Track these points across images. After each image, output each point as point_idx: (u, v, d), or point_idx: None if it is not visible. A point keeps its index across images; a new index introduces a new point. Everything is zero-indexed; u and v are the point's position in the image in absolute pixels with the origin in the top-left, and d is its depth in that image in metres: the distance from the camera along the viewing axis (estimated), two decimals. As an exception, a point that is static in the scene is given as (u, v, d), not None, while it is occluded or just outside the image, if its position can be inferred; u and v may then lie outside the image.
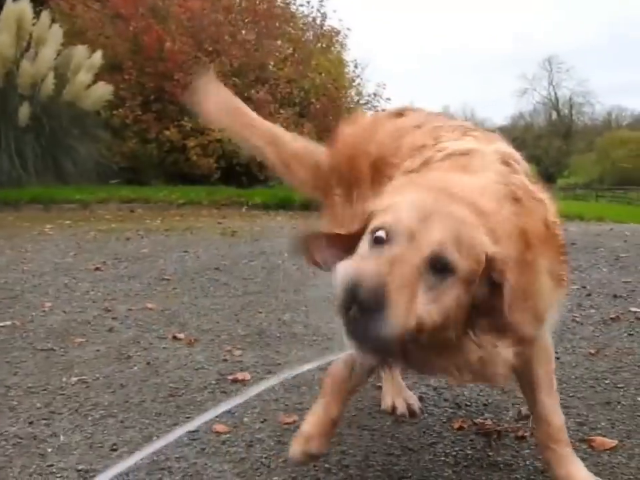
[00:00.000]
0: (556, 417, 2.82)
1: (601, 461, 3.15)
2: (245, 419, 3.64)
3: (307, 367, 3.65)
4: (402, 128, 3.02)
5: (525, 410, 3.71)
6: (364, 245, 2.13)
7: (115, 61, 23.68)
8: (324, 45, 33.30)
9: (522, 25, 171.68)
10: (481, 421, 3.61)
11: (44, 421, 3.67)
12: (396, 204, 2.13)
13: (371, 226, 2.12)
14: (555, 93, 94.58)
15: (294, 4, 32.54)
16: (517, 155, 2.70)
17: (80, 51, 20.10)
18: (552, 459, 2.77)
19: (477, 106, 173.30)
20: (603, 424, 3.55)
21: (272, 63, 29.74)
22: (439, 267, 1.99)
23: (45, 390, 4.11)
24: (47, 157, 18.86)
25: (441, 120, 3.08)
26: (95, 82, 20.18)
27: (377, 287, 1.88)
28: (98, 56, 20.17)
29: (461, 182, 2.24)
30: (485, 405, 3.86)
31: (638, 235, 10.97)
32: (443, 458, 3.22)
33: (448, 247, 2.00)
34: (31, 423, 3.66)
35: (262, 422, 3.63)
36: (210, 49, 27.31)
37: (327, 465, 3.10)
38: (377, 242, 2.06)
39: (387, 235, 2.04)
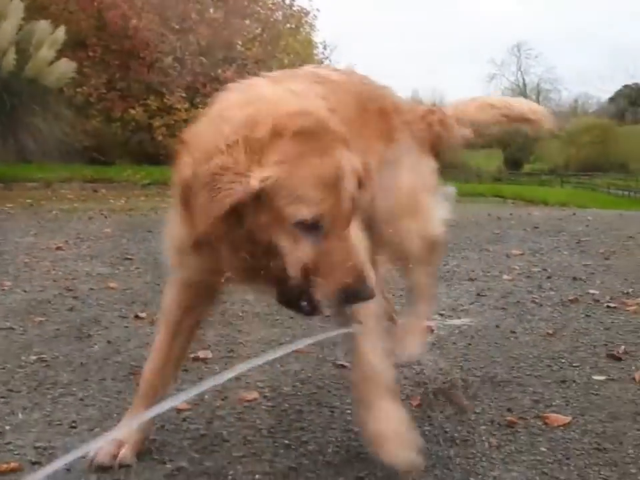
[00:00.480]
0: (376, 358, 2.80)
1: (555, 436, 3.22)
2: (206, 396, 3.66)
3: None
4: None
5: (484, 387, 3.79)
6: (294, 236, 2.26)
7: (79, 37, 23.38)
8: (293, 26, 33.17)
9: (492, 10, 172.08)
10: (440, 397, 3.66)
11: (2, 399, 3.64)
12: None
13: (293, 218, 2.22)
14: (523, 79, 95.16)
15: (263, -17, 32.31)
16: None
17: (42, 25, 19.77)
18: (367, 401, 2.76)
19: (446, 90, 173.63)
20: (557, 401, 3.63)
21: (240, 43, 29.51)
22: None
23: (3, 369, 4.08)
24: (7, 134, 18.58)
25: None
26: (57, 58, 19.89)
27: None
28: (61, 31, 19.86)
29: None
30: (444, 382, 3.91)
31: (599, 220, 11.14)
32: (400, 434, 3.26)
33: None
34: (-11, 400, 3.64)
35: (222, 399, 3.65)
36: (177, 27, 27.03)
37: (286, 441, 3.14)
38: (309, 230, 2.24)
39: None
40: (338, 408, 3.58)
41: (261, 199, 2.17)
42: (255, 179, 2.15)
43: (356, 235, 2.46)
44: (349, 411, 3.52)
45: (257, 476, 2.84)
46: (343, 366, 4.15)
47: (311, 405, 3.62)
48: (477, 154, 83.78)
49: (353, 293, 2.24)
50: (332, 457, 3.05)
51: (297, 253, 2.23)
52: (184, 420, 3.40)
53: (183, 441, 3.19)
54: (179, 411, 3.47)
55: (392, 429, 2.71)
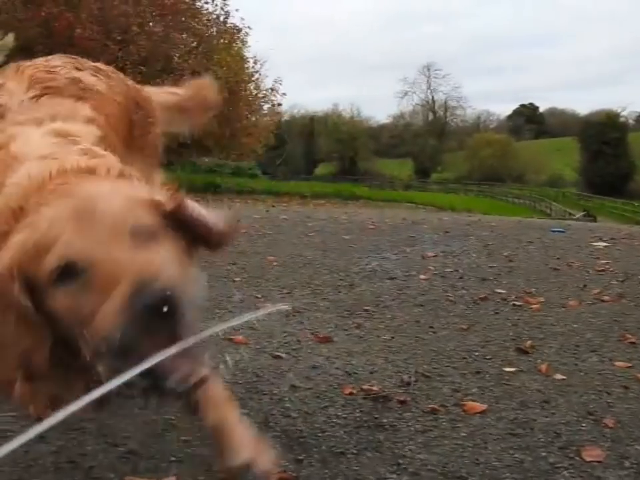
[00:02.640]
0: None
1: (473, 422, 3.26)
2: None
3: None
4: None
5: (406, 377, 3.82)
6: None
7: (27, 44, 22.77)
8: (226, 41, 33.00)
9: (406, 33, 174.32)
10: (368, 387, 3.67)
11: None
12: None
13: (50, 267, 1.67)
14: (432, 97, 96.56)
15: (199, 1, 32.07)
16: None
17: (-9, 32, 19.22)
18: (211, 398, 2.33)
19: (363, 104, 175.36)
20: (474, 390, 3.68)
21: (177, 55, 29.32)
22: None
23: None
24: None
25: None
26: (6, 62, 19.21)
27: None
28: (10, 38, 19.25)
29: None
30: (371, 372, 3.93)
31: (502, 226, 11.38)
32: (335, 420, 3.26)
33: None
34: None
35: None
36: (119, 38, 26.67)
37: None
38: (70, 276, 1.66)
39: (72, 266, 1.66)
40: (276, 395, 3.55)
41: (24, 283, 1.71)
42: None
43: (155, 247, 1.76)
44: (286, 398, 3.51)
45: (204, 458, 2.79)
46: (278, 356, 4.13)
47: (250, 392, 3.58)
48: (390, 163, 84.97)
49: (138, 298, 1.56)
50: (273, 441, 3.01)
51: (75, 309, 1.66)
52: (134, 405, 3.33)
53: (134, 425, 3.12)
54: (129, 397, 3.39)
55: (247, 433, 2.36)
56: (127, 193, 1.86)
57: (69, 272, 1.64)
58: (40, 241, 1.69)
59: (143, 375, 1.54)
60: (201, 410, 2.34)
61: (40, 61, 2.92)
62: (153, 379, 1.62)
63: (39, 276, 1.68)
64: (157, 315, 1.56)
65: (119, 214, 1.74)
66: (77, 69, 2.88)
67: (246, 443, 2.31)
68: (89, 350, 1.66)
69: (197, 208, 1.96)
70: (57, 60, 2.93)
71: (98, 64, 3.09)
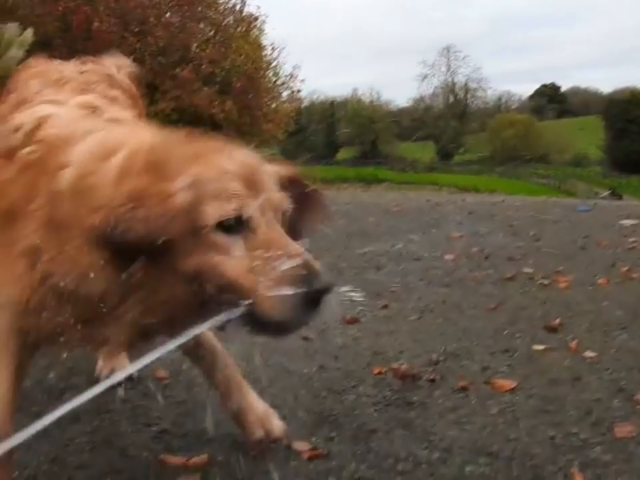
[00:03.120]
0: (220, 346, 2.71)
1: (503, 399, 3.26)
2: (184, 367, 3.62)
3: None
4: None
5: (435, 356, 3.83)
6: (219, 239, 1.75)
7: (45, 39, 22.89)
8: (243, 29, 33.00)
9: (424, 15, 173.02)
10: (397, 366, 3.68)
11: None
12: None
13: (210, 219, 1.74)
14: (452, 79, 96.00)
15: (215, -10, 32.11)
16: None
17: (11, 28, 19.24)
18: (228, 386, 2.72)
19: (382, 88, 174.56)
20: (503, 368, 3.67)
21: (195, 44, 29.40)
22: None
23: None
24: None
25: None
26: (26, 58, 19.38)
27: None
28: (29, 33, 19.32)
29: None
30: (399, 352, 3.93)
31: (527, 206, 11.30)
32: (364, 399, 3.28)
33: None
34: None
35: (199, 368, 3.62)
36: (136, 29, 26.78)
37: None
38: (236, 228, 1.75)
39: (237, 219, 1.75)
40: (305, 375, 3.58)
41: (181, 216, 1.73)
42: (177, 191, 1.73)
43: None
44: (316, 378, 3.53)
45: (235, 437, 2.82)
46: (307, 338, 4.15)
47: (280, 372, 3.61)
48: (411, 146, 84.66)
49: (310, 280, 1.71)
50: (304, 420, 3.05)
51: (230, 263, 1.74)
52: (165, 387, 3.37)
53: (166, 406, 3.16)
54: (159, 379, 3.44)
55: (259, 412, 2.76)
56: (276, 170, 1.97)
57: (234, 224, 1.74)
58: (213, 184, 1.75)
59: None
60: (219, 392, 2.74)
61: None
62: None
63: (199, 214, 1.73)
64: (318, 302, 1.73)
65: (280, 193, 1.88)
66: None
67: (259, 418, 2.73)
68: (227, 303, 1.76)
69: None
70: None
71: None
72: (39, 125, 2.12)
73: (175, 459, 2.68)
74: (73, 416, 2.94)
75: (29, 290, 1.93)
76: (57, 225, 1.84)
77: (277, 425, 2.77)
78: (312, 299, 1.71)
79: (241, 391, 2.74)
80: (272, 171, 1.95)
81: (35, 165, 1.99)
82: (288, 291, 1.69)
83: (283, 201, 1.89)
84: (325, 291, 1.73)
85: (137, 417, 3.04)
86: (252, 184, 1.80)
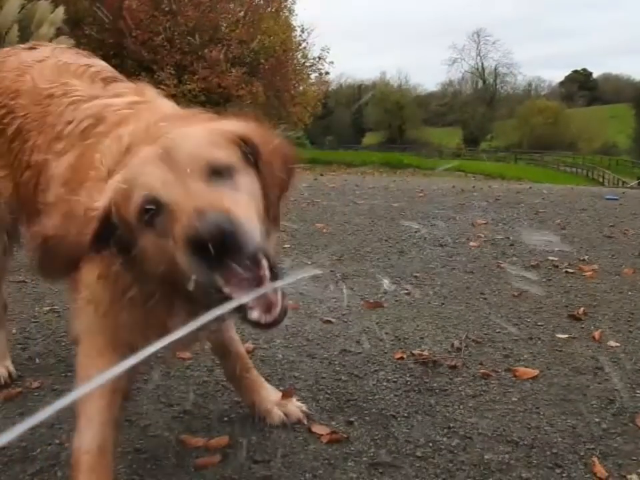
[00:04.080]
0: (242, 348, 2.88)
1: (524, 388, 3.25)
2: (206, 347, 3.63)
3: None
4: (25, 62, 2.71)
5: (457, 343, 3.81)
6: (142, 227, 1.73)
7: (77, 17, 23.00)
8: (273, 10, 32.88)
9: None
10: (419, 352, 3.68)
11: (19, 346, 3.63)
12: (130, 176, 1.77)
13: (136, 208, 1.72)
14: (482, 64, 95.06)
15: (245, -30, 31.96)
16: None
17: (43, 5, 19.33)
18: (244, 386, 2.87)
19: (411, 72, 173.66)
20: (525, 356, 3.66)
21: (224, 24, 29.33)
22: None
23: (19, 319, 4.05)
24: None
25: (70, 57, 2.74)
26: (57, 36, 19.46)
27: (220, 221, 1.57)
28: (60, 11, 19.43)
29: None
30: (421, 338, 3.93)
31: (554, 194, 11.20)
32: (385, 384, 3.29)
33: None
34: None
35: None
36: (167, 9, 26.77)
37: (281, 389, 3.12)
38: (153, 216, 1.70)
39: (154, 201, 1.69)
40: (327, 359, 3.58)
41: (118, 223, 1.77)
42: (99, 204, 1.76)
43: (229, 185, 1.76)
44: (337, 362, 3.54)
45: (255, 420, 2.85)
46: (329, 321, 4.16)
47: (302, 356, 3.62)
48: (439, 131, 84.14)
49: (197, 231, 1.55)
50: (324, 403, 3.06)
51: (164, 247, 1.68)
52: (187, 368, 3.40)
53: (188, 386, 3.19)
54: (182, 359, 3.46)
55: (274, 400, 2.90)
56: (210, 130, 1.89)
57: (152, 210, 1.69)
58: (129, 181, 1.75)
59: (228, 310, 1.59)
60: (236, 390, 2.94)
61: None
62: (238, 312, 1.68)
63: (128, 215, 1.74)
64: (218, 247, 1.55)
65: (195, 151, 1.76)
66: None
67: (274, 410, 2.87)
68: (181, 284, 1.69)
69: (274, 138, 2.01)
70: None
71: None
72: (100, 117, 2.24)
73: (196, 440, 2.70)
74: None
75: (111, 288, 2.01)
76: None
77: (294, 407, 2.91)
78: (207, 246, 1.54)
79: (255, 387, 2.90)
80: (209, 133, 1.87)
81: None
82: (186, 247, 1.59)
83: (200, 158, 1.74)
84: (212, 232, 1.54)
85: (158, 397, 3.07)
86: (167, 161, 1.74)
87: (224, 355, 2.84)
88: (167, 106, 2.34)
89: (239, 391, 2.91)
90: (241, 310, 1.66)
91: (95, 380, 1.41)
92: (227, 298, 1.63)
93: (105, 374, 1.37)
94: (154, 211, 1.69)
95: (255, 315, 1.68)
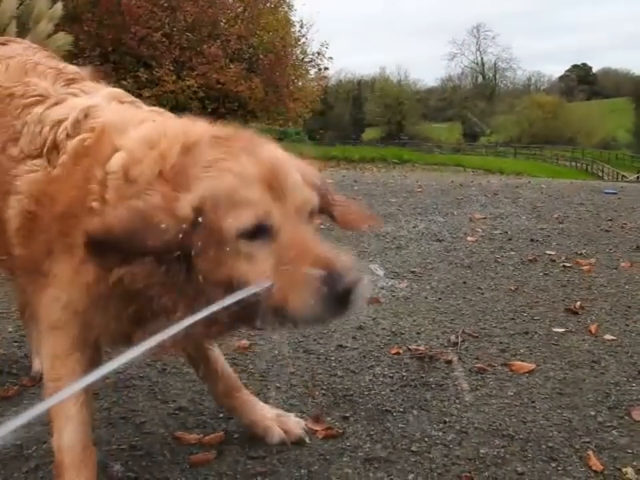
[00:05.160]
0: (229, 368, 2.72)
1: (521, 382, 3.25)
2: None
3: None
4: None
5: (454, 337, 3.81)
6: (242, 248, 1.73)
7: (75, 13, 22.94)
8: (272, 5, 32.81)
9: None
10: (415, 347, 3.67)
11: (15, 344, 3.62)
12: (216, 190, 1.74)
13: (235, 228, 1.71)
14: (482, 58, 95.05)
15: (244, -35, 31.87)
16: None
17: (41, 1, 19.30)
18: (238, 406, 2.70)
19: (410, 67, 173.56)
20: (522, 350, 3.66)
21: (223, 20, 29.26)
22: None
23: (15, 316, 4.04)
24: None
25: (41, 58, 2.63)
26: (55, 32, 19.39)
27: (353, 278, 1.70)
28: (59, 7, 19.32)
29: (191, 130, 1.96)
30: (418, 333, 3.93)
31: (553, 188, 11.19)
32: (381, 379, 3.29)
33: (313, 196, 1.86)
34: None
35: (218, 346, 3.63)
36: (165, 4, 26.68)
37: (277, 384, 3.14)
38: (258, 236, 1.72)
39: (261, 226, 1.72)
40: (323, 354, 3.58)
41: (200, 228, 1.73)
42: (185, 205, 1.71)
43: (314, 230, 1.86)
44: (333, 358, 3.54)
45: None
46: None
47: (298, 352, 3.62)
48: (438, 127, 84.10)
49: (333, 282, 1.66)
50: (320, 399, 3.06)
51: (255, 270, 1.72)
52: (183, 364, 3.39)
53: (183, 383, 3.19)
54: (177, 356, 3.46)
55: (271, 417, 2.72)
56: (304, 169, 1.93)
57: (256, 232, 1.71)
58: (229, 193, 1.72)
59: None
60: (231, 407, 2.74)
61: None
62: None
63: (219, 225, 1.71)
64: (345, 301, 1.69)
65: (307, 191, 1.83)
66: None
67: (273, 425, 2.69)
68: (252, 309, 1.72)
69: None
70: None
71: None
72: (85, 115, 2.12)
73: (191, 436, 2.70)
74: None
75: (89, 289, 1.95)
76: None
77: (294, 423, 2.73)
78: (338, 299, 1.68)
79: (248, 407, 2.72)
80: (300, 168, 1.91)
81: (89, 153, 1.99)
82: (311, 295, 1.66)
83: (309, 200, 1.83)
84: (350, 290, 1.69)
85: (154, 394, 3.07)
86: (274, 186, 1.76)
87: (209, 376, 2.68)
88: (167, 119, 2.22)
89: (233, 412, 2.74)
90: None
91: (76, 384, 1.41)
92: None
93: (86, 378, 1.39)
94: (260, 231, 1.71)
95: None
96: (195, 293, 1.78)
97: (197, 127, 1.98)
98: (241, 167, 1.76)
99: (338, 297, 1.67)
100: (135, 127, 2.01)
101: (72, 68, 2.62)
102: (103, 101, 2.24)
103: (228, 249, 1.72)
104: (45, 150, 2.11)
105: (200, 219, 1.71)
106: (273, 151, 1.88)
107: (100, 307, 1.97)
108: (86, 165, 1.96)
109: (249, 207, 1.71)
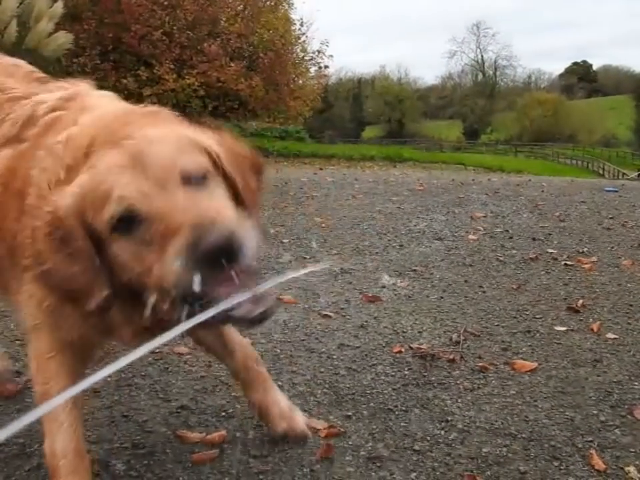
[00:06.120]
0: (245, 340, 2.64)
1: (522, 381, 3.25)
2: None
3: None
4: None
5: (455, 336, 3.81)
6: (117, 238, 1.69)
7: (75, 11, 22.89)
8: (272, 3, 32.75)
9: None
10: (417, 345, 3.67)
11: (18, 342, 3.62)
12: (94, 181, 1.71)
13: (107, 217, 1.67)
14: (482, 56, 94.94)
15: (244, -37, 31.80)
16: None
17: (41, 0, 19.30)
18: (252, 380, 2.61)
19: (410, 65, 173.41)
20: (524, 349, 3.66)
21: (224, 19, 29.22)
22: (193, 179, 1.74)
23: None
24: (8, 101, 18.22)
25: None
26: (56, 30, 19.42)
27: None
28: (59, 6, 19.36)
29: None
30: (420, 332, 3.92)
31: (554, 186, 11.17)
32: (383, 377, 3.28)
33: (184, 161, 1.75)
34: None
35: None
36: (165, 2, 26.62)
37: (279, 383, 3.12)
38: (129, 225, 1.66)
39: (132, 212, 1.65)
40: (325, 353, 3.58)
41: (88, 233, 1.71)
42: (60, 198, 1.70)
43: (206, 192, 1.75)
44: (335, 356, 3.53)
45: (252, 415, 2.84)
46: (327, 315, 4.15)
47: (299, 350, 3.62)
48: (439, 125, 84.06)
49: (198, 241, 1.55)
50: (322, 398, 3.06)
51: (145, 261, 1.65)
52: (185, 363, 3.40)
53: (185, 382, 3.19)
54: (179, 354, 3.46)
55: (282, 406, 2.66)
56: (178, 135, 1.84)
57: (127, 219, 1.65)
58: (98, 187, 1.69)
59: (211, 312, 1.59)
60: (242, 386, 2.66)
61: None
62: (221, 315, 1.63)
63: (97, 223, 1.69)
64: (220, 258, 1.57)
65: (169, 158, 1.73)
66: None
67: (282, 415, 2.63)
68: (155, 296, 1.66)
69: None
70: None
71: None
72: (67, 99, 2.13)
73: (193, 435, 2.70)
74: (93, 390, 2.98)
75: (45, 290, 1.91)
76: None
77: (300, 420, 2.67)
78: (205, 258, 1.55)
79: (265, 386, 2.65)
80: (182, 138, 1.84)
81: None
82: (175, 262, 1.57)
83: (173, 165, 1.72)
84: (220, 246, 1.56)
85: (156, 392, 3.07)
86: (135, 168, 1.69)
87: (225, 348, 2.57)
88: (117, 104, 2.22)
89: (244, 385, 2.64)
90: (227, 313, 1.63)
91: (67, 391, 1.40)
92: (208, 304, 1.61)
93: (77, 385, 1.37)
94: (130, 220, 1.64)
95: (242, 311, 1.65)
96: (127, 292, 1.75)
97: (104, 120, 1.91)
98: (107, 162, 1.72)
99: (204, 256, 1.55)
100: (91, 110, 2.00)
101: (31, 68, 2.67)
102: (85, 90, 2.25)
103: (114, 246, 1.69)
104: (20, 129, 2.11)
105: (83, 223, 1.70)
106: (146, 133, 1.80)
107: (71, 306, 1.91)
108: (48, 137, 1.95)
109: (110, 199, 1.66)
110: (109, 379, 3.09)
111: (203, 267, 1.56)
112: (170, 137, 1.81)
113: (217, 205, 1.69)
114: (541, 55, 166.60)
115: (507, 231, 6.93)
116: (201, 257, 1.55)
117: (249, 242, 1.63)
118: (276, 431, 2.63)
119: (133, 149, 1.73)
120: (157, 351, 3.40)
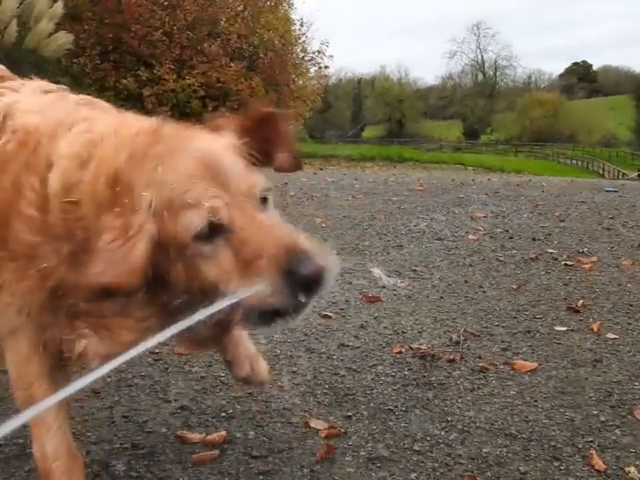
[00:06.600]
0: None
1: (523, 381, 3.24)
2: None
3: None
4: None
5: (455, 336, 3.81)
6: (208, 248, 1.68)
7: (76, 12, 22.93)
8: (272, 4, 32.80)
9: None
10: (417, 346, 3.67)
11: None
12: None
13: (187, 226, 1.66)
14: (482, 56, 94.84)
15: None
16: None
17: (42, 0, 19.31)
18: (230, 340, 2.51)
19: (410, 65, 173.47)
20: (524, 349, 3.66)
21: (224, 19, 29.25)
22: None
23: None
24: (8, 101, 18.24)
25: None
26: (56, 31, 19.45)
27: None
28: (59, 6, 19.38)
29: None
30: (420, 332, 3.92)
31: (554, 186, 11.17)
32: (383, 378, 3.28)
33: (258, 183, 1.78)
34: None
35: (219, 345, 3.63)
36: (165, 2, 26.66)
37: (279, 384, 3.13)
38: (213, 235, 1.67)
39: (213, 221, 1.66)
40: (325, 353, 3.58)
41: (159, 241, 1.68)
42: (139, 228, 1.65)
43: (270, 213, 1.81)
44: (335, 357, 3.53)
45: (254, 414, 2.84)
46: (327, 316, 4.15)
47: (299, 350, 3.62)
48: (439, 125, 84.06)
49: (297, 268, 1.62)
50: (322, 398, 3.06)
51: (220, 270, 1.68)
52: (185, 363, 3.39)
53: (185, 382, 3.19)
54: (179, 355, 3.46)
55: (250, 350, 2.60)
56: (229, 143, 1.84)
57: (210, 231, 1.66)
58: (174, 198, 1.67)
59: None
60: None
61: None
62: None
63: (171, 232, 1.67)
64: (314, 286, 1.66)
65: (251, 175, 1.77)
66: None
67: (249, 357, 2.57)
68: (227, 307, 1.66)
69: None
70: None
71: None
72: (7, 113, 2.03)
73: (193, 435, 2.70)
74: (93, 391, 2.98)
75: (35, 293, 1.88)
76: (51, 231, 1.79)
77: (263, 367, 2.62)
78: (304, 283, 1.64)
79: (238, 335, 2.55)
80: (234, 152, 1.82)
81: (15, 158, 1.90)
82: (268, 283, 1.62)
83: (255, 184, 1.76)
84: (315, 275, 1.65)
85: (156, 393, 3.07)
86: (216, 179, 1.70)
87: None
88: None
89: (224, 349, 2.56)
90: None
91: (55, 395, 1.39)
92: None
93: (67, 389, 1.33)
94: (214, 230, 1.66)
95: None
96: (172, 306, 1.76)
97: (127, 131, 1.85)
98: (179, 167, 1.70)
99: (302, 282, 1.63)
100: (64, 133, 1.89)
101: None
102: (25, 98, 2.15)
103: (189, 254, 1.69)
104: None
105: (156, 233, 1.67)
106: (207, 142, 1.81)
107: (51, 309, 1.89)
108: (13, 171, 1.87)
109: (197, 207, 1.65)
110: (109, 379, 3.09)
111: (296, 292, 1.63)
112: (226, 146, 1.82)
113: (293, 230, 1.74)
114: (541, 55, 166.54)
115: (507, 231, 6.93)
116: (298, 284, 1.62)
117: (334, 272, 1.71)
118: (240, 372, 2.56)
119: (206, 158, 1.73)
120: (157, 351, 3.41)
